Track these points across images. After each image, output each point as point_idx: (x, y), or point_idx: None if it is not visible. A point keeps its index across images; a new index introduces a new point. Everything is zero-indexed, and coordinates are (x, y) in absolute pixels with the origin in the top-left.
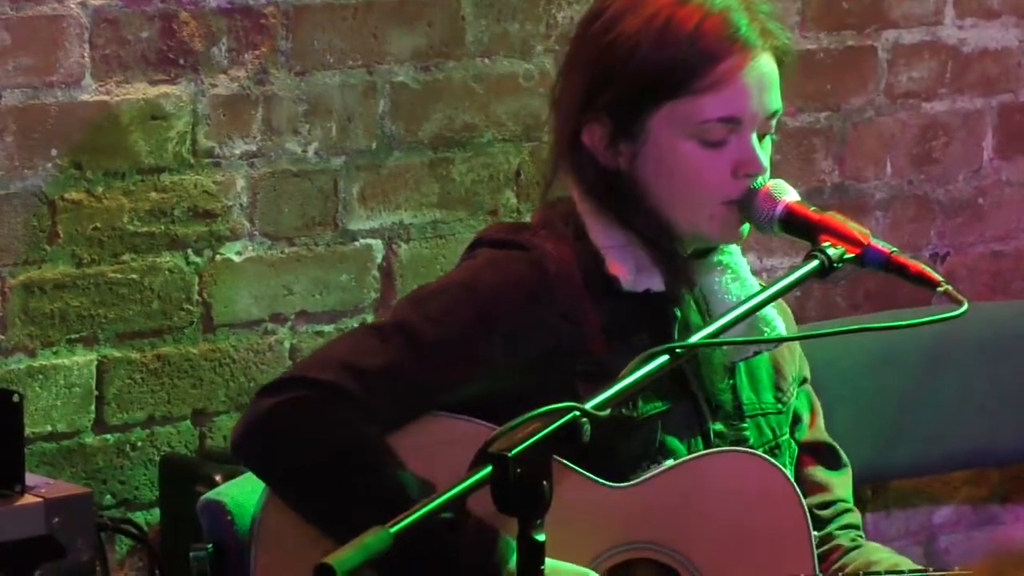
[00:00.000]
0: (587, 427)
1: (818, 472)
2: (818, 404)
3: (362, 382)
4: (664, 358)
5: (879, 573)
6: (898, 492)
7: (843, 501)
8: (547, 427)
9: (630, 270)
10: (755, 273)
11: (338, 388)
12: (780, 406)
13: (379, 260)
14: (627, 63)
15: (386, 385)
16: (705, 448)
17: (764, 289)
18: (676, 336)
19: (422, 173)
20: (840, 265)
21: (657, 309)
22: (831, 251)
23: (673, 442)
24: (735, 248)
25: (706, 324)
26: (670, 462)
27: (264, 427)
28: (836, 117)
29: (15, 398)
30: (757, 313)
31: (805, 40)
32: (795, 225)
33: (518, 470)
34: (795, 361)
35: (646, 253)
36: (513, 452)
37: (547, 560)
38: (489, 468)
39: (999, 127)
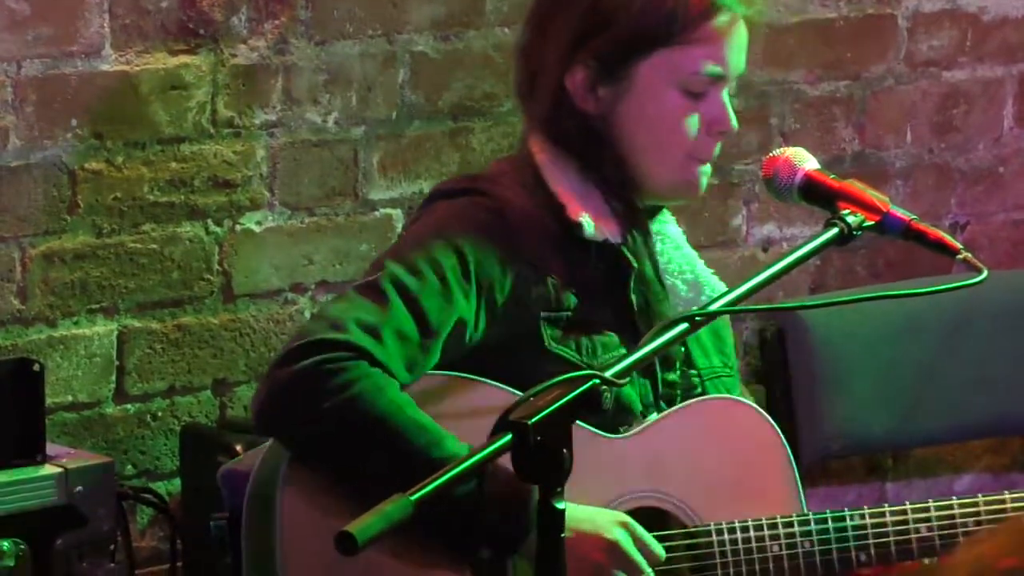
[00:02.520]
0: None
1: None
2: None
3: (373, 337)
4: (684, 326)
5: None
6: (919, 461)
7: None
8: (567, 395)
9: (590, 217)
10: (775, 242)
11: (355, 346)
12: (729, 370)
13: (399, 230)
14: (626, 9)
15: (394, 338)
16: (654, 396)
17: (786, 255)
18: (632, 286)
19: (442, 142)
20: (859, 232)
21: (615, 259)
22: (850, 218)
23: (627, 391)
24: (670, 218)
25: (660, 281)
26: (654, 416)
27: (289, 396)
28: (856, 86)
29: (36, 368)
30: (700, 280)
31: (825, 8)
32: (815, 193)
33: (538, 438)
34: (729, 328)
35: (604, 203)
36: (533, 420)
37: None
38: (509, 436)
39: (1020, 95)
